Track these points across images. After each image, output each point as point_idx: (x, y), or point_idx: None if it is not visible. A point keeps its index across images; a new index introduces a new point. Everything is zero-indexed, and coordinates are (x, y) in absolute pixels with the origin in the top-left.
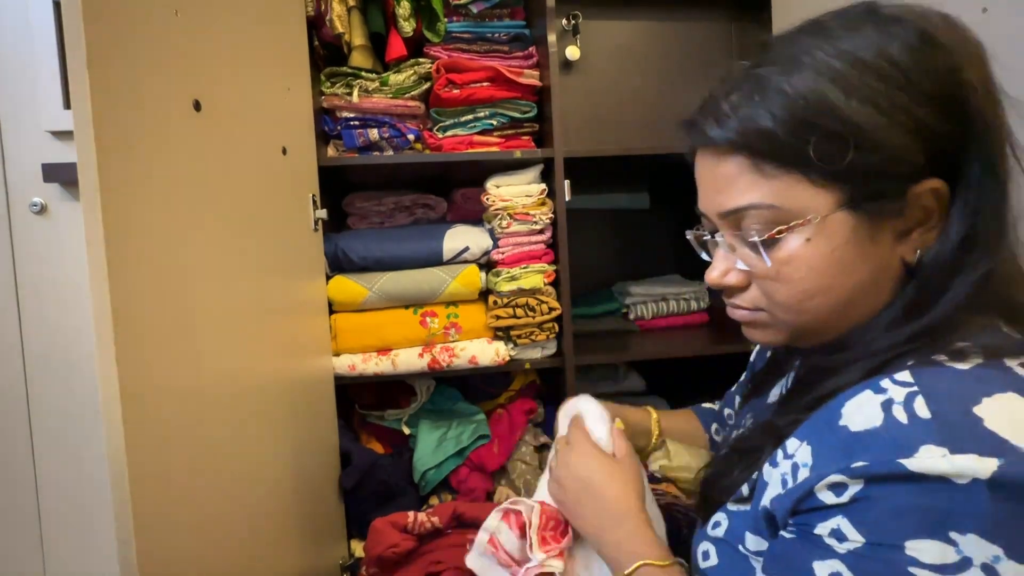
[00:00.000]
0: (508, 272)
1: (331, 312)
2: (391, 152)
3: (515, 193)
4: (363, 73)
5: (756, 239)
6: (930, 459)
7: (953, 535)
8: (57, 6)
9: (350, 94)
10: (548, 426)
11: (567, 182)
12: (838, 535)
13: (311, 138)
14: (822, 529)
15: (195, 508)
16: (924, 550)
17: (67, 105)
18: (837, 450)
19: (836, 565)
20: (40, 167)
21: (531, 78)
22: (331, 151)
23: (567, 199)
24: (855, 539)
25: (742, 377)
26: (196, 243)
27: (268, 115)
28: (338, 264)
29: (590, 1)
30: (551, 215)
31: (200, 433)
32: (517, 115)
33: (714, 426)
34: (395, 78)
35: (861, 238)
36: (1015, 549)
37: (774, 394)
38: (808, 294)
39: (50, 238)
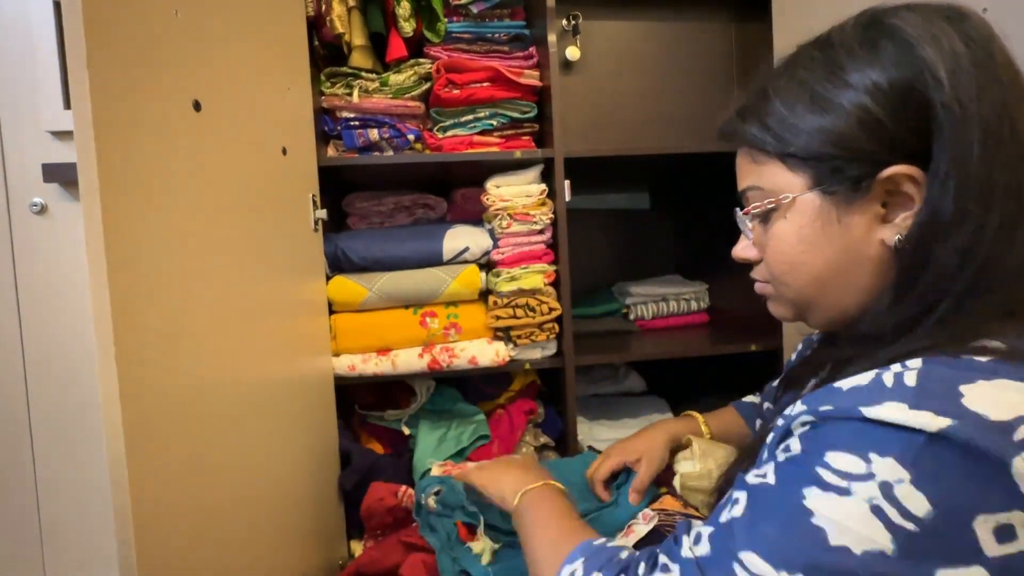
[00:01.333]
0: (508, 272)
1: (331, 312)
2: (391, 152)
3: (515, 193)
4: (363, 73)
5: (747, 213)
6: (887, 410)
7: (872, 455)
8: (57, 6)
9: (350, 94)
10: (548, 426)
11: (567, 182)
12: (787, 448)
13: (311, 138)
14: (779, 451)
15: (195, 509)
16: (838, 460)
17: (67, 105)
18: (818, 399)
19: (768, 469)
20: (40, 167)
21: (531, 78)
22: (331, 151)
23: (567, 199)
24: (795, 449)
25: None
26: (196, 243)
27: (268, 115)
28: (338, 264)
29: (590, 1)
30: (551, 215)
31: (200, 433)
32: (517, 115)
33: (758, 422)
34: (395, 78)
35: (828, 218)
36: (922, 481)
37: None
38: (787, 267)
39: (50, 238)
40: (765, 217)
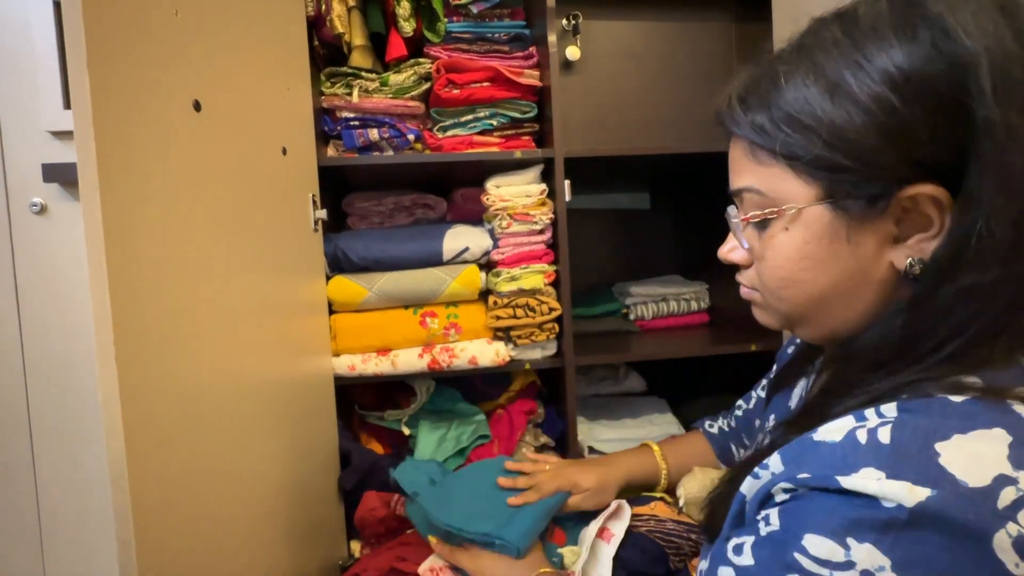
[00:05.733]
0: (508, 272)
1: (331, 312)
2: (391, 152)
3: (515, 193)
4: (363, 73)
5: (736, 219)
6: (863, 480)
7: (850, 540)
8: (57, 6)
9: (350, 94)
10: (548, 426)
11: (567, 182)
12: (767, 520)
13: (311, 138)
14: (760, 515)
15: (195, 509)
16: (817, 545)
17: (67, 105)
18: (796, 460)
19: (747, 539)
20: (40, 167)
21: (531, 78)
22: (331, 151)
23: (567, 199)
24: (774, 524)
25: (763, 379)
26: (196, 243)
27: (268, 115)
28: (338, 264)
29: (590, 1)
30: (551, 215)
31: (200, 433)
32: (517, 115)
33: (732, 446)
34: (395, 78)
35: (837, 235)
36: (904, 568)
37: (796, 395)
38: (784, 282)
39: (50, 238)
40: (763, 223)
